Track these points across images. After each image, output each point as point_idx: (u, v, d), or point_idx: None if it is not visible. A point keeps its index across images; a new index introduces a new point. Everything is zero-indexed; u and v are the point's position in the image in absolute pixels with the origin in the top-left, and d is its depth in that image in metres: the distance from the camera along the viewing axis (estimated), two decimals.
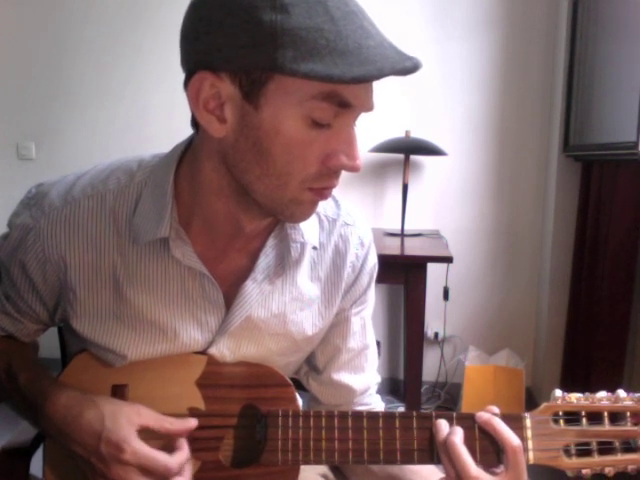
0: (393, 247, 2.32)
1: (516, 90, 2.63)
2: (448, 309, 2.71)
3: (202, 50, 0.63)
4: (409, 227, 2.60)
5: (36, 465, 0.93)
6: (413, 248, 2.33)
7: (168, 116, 2.65)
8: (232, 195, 0.72)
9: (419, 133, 2.50)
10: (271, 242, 0.80)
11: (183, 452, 0.74)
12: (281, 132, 0.63)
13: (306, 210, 0.72)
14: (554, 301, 2.54)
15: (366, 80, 0.60)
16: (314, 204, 0.72)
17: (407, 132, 2.49)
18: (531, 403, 2.54)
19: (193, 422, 0.76)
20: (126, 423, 0.72)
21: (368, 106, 0.67)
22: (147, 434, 0.73)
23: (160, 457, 0.72)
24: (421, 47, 2.61)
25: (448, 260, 2.17)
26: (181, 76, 0.68)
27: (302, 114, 0.63)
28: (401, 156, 2.56)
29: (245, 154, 0.66)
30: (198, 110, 0.66)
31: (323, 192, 0.70)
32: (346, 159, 0.66)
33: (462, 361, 2.63)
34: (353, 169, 0.67)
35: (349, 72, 0.58)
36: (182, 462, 0.74)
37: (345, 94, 0.62)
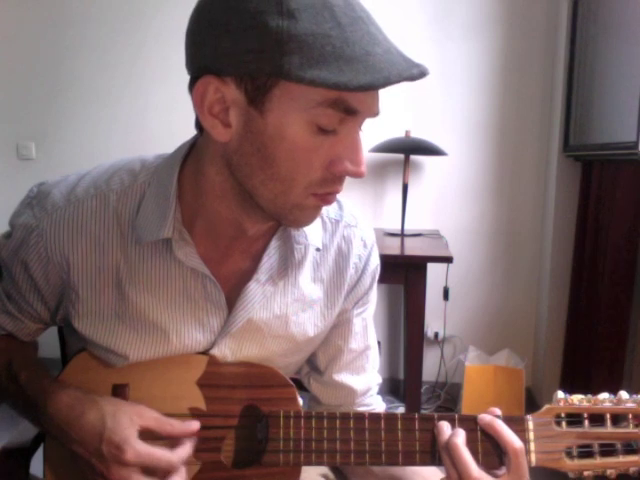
0: (393, 247, 2.31)
1: (516, 90, 2.63)
2: (448, 309, 2.71)
3: (207, 54, 0.63)
4: (409, 227, 2.60)
5: (36, 465, 0.93)
6: (413, 248, 2.33)
7: (169, 116, 2.65)
8: (235, 198, 0.71)
9: (419, 133, 2.50)
10: (274, 244, 0.80)
11: (185, 447, 0.74)
12: (286, 138, 0.63)
13: (310, 215, 0.71)
14: (554, 301, 2.54)
15: (373, 88, 0.59)
16: (318, 209, 0.72)
17: (407, 132, 2.49)
18: (531, 403, 2.55)
19: (195, 425, 0.76)
20: (128, 423, 0.72)
21: (374, 112, 0.66)
22: (148, 435, 0.73)
23: (161, 454, 0.72)
24: (421, 47, 2.61)
25: (448, 260, 2.17)
26: (182, 76, 0.68)
27: (307, 120, 0.62)
28: (401, 156, 2.56)
29: (249, 159, 0.66)
30: (202, 114, 0.65)
31: (327, 197, 0.69)
32: (350, 165, 0.66)
33: (462, 361, 2.63)
34: (357, 175, 0.67)
35: (355, 80, 0.58)
36: (184, 457, 0.74)
37: (351, 101, 0.62)
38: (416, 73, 0.61)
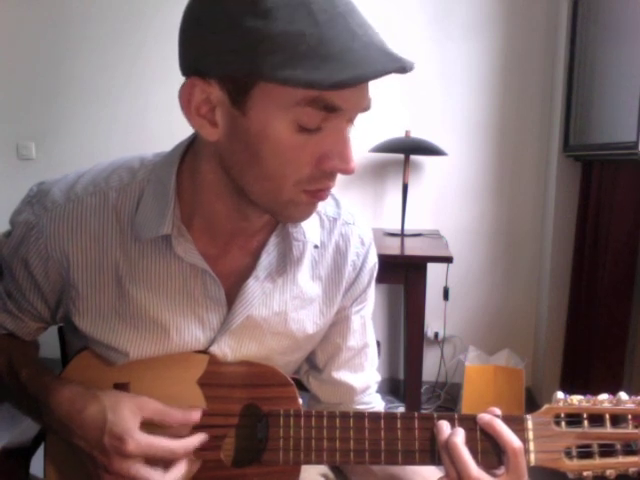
0: (393, 247, 2.32)
1: (516, 90, 2.63)
2: (448, 309, 2.71)
3: (193, 55, 0.64)
4: (409, 227, 2.60)
5: (36, 465, 0.93)
6: (413, 248, 2.33)
7: (169, 115, 2.64)
8: (231, 196, 0.72)
9: (419, 133, 2.50)
10: (273, 240, 0.81)
11: (191, 438, 0.75)
12: (269, 137, 0.63)
13: (304, 211, 0.71)
14: (554, 301, 2.54)
15: (347, 86, 0.58)
16: (312, 205, 0.71)
17: (407, 132, 2.49)
18: (531, 403, 2.55)
19: (196, 414, 0.76)
20: (129, 415, 0.72)
21: (360, 107, 0.66)
22: (150, 428, 0.73)
23: (163, 442, 0.72)
24: (421, 47, 2.61)
25: (448, 260, 2.17)
26: (181, 76, 0.68)
27: (289, 119, 0.62)
28: (401, 156, 2.56)
29: (238, 157, 0.66)
30: (190, 115, 0.66)
31: (319, 194, 0.69)
32: (339, 162, 0.65)
33: (462, 361, 2.63)
34: (346, 172, 0.66)
35: (329, 78, 0.57)
36: (189, 446, 0.74)
37: (331, 98, 0.61)
38: (393, 68, 0.60)
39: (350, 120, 0.67)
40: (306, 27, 0.58)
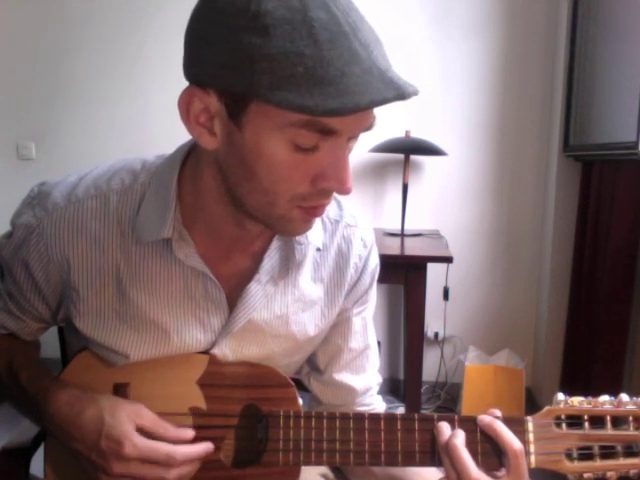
0: (393, 247, 2.32)
1: (516, 90, 2.63)
2: (448, 309, 2.71)
3: (193, 64, 0.64)
4: (409, 227, 2.60)
5: (36, 465, 0.93)
6: (413, 248, 2.33)
7: (169, 116, 2.63)
8: (231, 202, 0.72)
9: (419, 133, 2.50)
10: (275, 244, 0.80)
11: (190, 447, 0.74)
12: (264, 154, 0.62)
13: (298, 227, 0.71)
14: (554, 301, 2.54)
15: (340, 114, 0.56)
16: (307, 222, 0.71)
17: (407, 132, 2.49)
18: (531, 403, 2.55)
19: (189, 434, 0.76)
20: (126, 419, 0.72)
21: (361, 129, 0.64)
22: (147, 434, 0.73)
23: (161, 446, 0.72)
24: (421, 47, 2.62)
25: (448, 260, 2.17)
26: (182, 76, 0.68)
27: (284, 138, 0.61)
28: (401, 156, 2.56)
29: (235, 169, 0.66)
30: (189, 123, 0.65)
31: (313, 211, 0.68)
32: (335, 183, 0.64)
33: (462, 361, 2.63)
34: (342, 192, 0.65)
35: (323, 104, 0.56)
36: (186, 454, 0.73)
37: (327, 122, 0.60)
38: (390, 97, 0.57)
39: (353, 138, 0.66)
40: (305, 47, 0.55)
